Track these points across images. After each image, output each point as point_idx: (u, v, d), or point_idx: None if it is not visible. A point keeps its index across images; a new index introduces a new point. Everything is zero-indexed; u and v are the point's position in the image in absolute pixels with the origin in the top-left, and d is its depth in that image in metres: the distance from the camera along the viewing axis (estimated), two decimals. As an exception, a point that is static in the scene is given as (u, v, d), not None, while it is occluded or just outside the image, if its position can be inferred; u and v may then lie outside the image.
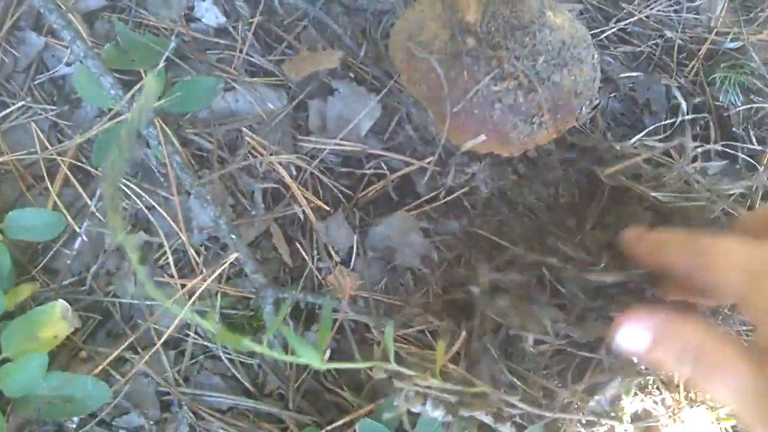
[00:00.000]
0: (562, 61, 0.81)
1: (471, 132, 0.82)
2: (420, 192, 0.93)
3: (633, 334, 0.62)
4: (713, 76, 1.11)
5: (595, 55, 0.86)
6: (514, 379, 0.86)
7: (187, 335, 0.87)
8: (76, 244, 0.86)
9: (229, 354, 0.87)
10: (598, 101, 0.78)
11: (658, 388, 0.95)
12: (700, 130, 1.10)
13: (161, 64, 0.89)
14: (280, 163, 0.91)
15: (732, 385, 0.56)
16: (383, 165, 0.93)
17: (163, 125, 0.86)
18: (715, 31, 1.17)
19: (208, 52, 0.97)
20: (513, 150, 0.83)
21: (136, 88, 0.87)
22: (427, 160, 0.91)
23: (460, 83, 0.80)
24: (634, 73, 1.13)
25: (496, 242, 0.93)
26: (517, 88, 0.79)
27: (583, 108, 0.83)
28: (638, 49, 1.14)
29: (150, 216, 0.89)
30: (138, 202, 0.89)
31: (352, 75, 0.96)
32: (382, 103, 0.93)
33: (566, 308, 0.85)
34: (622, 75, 1.11)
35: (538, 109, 0.80)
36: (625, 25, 1.15)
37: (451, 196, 0.92)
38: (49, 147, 0.90)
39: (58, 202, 0.88)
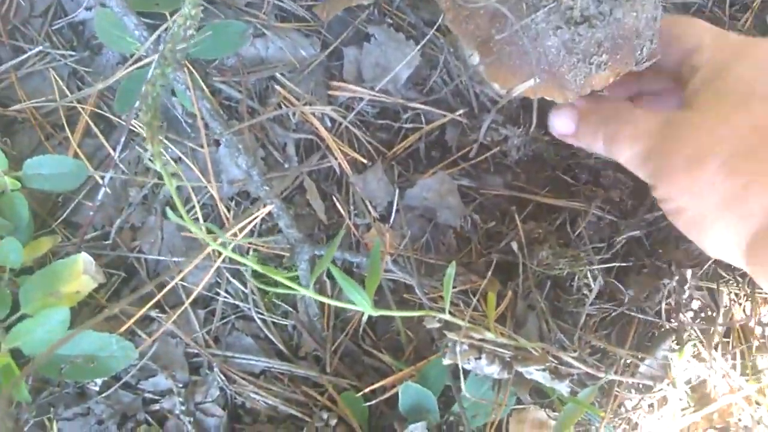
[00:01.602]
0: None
1: (523, 74, 0.76)
2: (451, 146, 0.87)
3: (564, 116, 0.74)
4: None
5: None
6: (563, 337, 0.81)
7: (218, 294, 0.82)
8: (99, 196, 0.80)
9: (262, 314, 0.81)
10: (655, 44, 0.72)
11: (711, 354, 0.90)
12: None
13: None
14: (313, 114, 0.85)
15: (631, 139, 0.64)
16: (422, 117, 0.88)
17: (193, 70, 0.80)
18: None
19: (236, -4, 0.91)
20: (568, 94, 0.77)
21: (162, 28, 0.81)
22: (459, 111, 0.85)
23: (513, 19, 0.74)
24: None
25: (540, 201, 0.89)
26: (577, 23, 0.73)
27: (644, 49, 0.77)
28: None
29: (177, 168, 0.83)
30: (164, 153, 0.83)
31: (389, 21, 0.90)
32: (421, 51, 0.87)
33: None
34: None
35: (598, 47, 0.74)
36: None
37: (481, 156, 0.87)
38: (69, 94, 0.85)
39: (79, 152, 0.83)
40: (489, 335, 0.71)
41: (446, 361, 0.70)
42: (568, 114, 0.74)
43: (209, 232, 0.81)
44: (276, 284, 0.80)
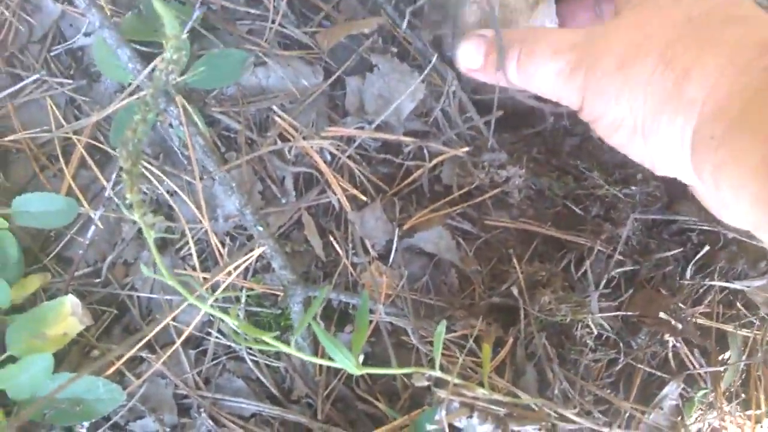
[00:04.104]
0: None
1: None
2: (451, 186, 0.84)
3: (470, 47, 0.67)
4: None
5: None
6: (567, 386, 0.78)
7: (209, 334, 0.80)
8: (90, 232, 0.79)
9: (254, 356, 0.79)
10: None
11: (726, 404, 0.86)
12: None
13: (184, 35, 0.80)
14: (312, 147, 0.82)
15: (552, 53, 0.59)
16: (425, 151, 0.84)
17: (185, 103, 0.78)
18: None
19: (238, 22, 0.88)
20: None
21: (156, 60, 0.79)
22: (464, 149, 0.82)
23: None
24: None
25: (550, 236, 0.85)
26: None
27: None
28: None
29: (172, 202, 0.81)
30: (159, 186, 0.81)
31: (395, 49, 0.86)
32: (426, 81, 0.84)
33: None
34: None
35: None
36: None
37: (481, 198, 0.84)
38: (65, 124, 0.83)
39: (73, 185, 0.81)
40: (482, 392, 0.68)
41: (438, 418, 0.68)
42: (476, 44, 0.67)
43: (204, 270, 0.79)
44: (269, 325, 0.79)
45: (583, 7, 0.74)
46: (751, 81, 0.47)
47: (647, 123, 0.53)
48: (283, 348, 0.62)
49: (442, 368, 0.67)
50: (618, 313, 0.81)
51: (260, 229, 0.76)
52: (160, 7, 0.66)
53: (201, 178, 0.79)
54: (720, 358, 0.87)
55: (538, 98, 0.67)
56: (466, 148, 0.82)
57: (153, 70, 0.78)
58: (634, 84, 0.53)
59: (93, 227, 0.78)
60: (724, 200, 0.49)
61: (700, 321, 0.86)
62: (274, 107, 0.83)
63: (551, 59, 0.59)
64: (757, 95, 0.46)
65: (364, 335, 0.65)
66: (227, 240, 0.82)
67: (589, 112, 0.58)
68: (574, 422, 0.72)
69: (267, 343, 0.63)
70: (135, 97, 0.80)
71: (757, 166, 0.43)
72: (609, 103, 0.55)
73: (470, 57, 0.67)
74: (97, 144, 0.83)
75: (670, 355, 0.85)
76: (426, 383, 0.68)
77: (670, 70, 0.51)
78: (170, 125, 0.82)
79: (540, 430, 0.69)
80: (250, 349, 0.79)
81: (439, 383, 0.69)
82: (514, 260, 0.82)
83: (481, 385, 0.69)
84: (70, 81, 0.86)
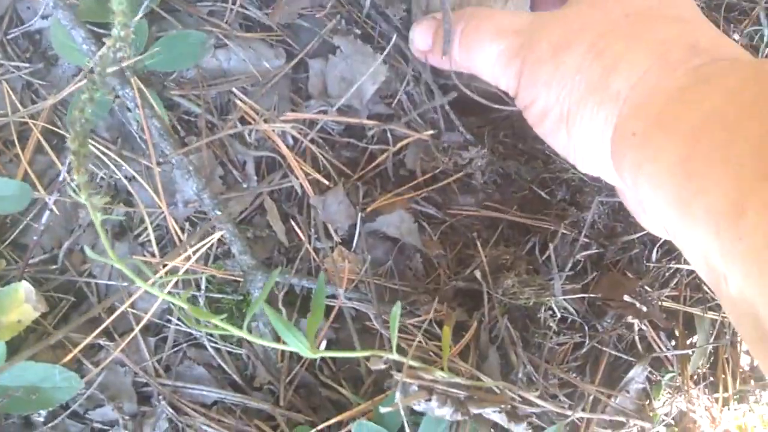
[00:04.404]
0: None
1: None
2: (413, 170, 0.83)
3: (422, 29, 0.68)
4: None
5: None
6: (532, 369, 0.78)
7: (169, 321, 0.79)
8: (44, 219, 0.77)
9: (215, 342, 0.78)
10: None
11: (693, 387, 0.86)
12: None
13: (140, 16, 0.78)
14: (274, 131, 0.81)
15: (495, 35, 0.59)
16: (388, 134, 0.83)
17: (141, 87, 0.76)
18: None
19: (198, 4, 0.87)
20: None
21: (109, 42, 0.77)
22: (428, 132, 0.81)
23: None
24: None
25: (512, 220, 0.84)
26: None
27: None
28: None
29: (130, 187, 0.80)
30: (117, 171, 0.80)
31: (358, 31, 0.85)
32: (390, 64, 0.83)
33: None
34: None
35: None
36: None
37: (446, 181, 0.83)
38: (21, 109, 0.81)
39: (29, 170, 0.80)
40: (441, 375, 0.68)
41: (396, 401, 0.67)
42: (426, 25, 0.68)
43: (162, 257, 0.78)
44: (231, 311, 0.77)
45: None
46: (676, 80, 0.47)
47: (572, 113, 0.53)
48: (237, 333, 0.61)
49: (401, 351, 0.66)
50: (583, 295, 0.80)
51: (218, 213, 0.75)
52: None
53: (159, 163, 0.78)
54: (688, 341, 0.87)
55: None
56: (431, 132, 0.81)
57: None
58: (565, 71, 0.53)
59: (47, 213, 0.77)
60: (642, 200, 0.48)
61: (667, 304, 0.86)
62: (235, 90, 0.82)
63: (493, 41, 0.59)
64: (679, 94, 0.46)
65: (319, 317, 0.64)
66: (187, 226, 0.80)
67: (522, 98, 0.58)
68: (537, 405, 0.72)
69: (227, 330, 0.62)
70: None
71: (675, 166, 0.42)
72: (540, 90, 0.55)
73: (421, 38, 0.68)
74: (54, 129, 0.81)
75: (637, 338, 0.84)
76: (383, 366, 0.67)
77: (599, 60, 0.51)
78: (128, 109, 0.80)
79: (501, 412, 0.68)
80: (211, 336, 0.78)
81: (399, 367, 0.68)
82: (478, 244, 0.81)
83: (442, 368, 0.69)
84: (27, 65, 0.84)
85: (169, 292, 0.77)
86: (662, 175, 0.44)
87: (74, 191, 0.60)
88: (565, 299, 0.78)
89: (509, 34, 0.58)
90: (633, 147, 0.48)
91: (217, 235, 0.76)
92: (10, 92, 0.82)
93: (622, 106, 0.49)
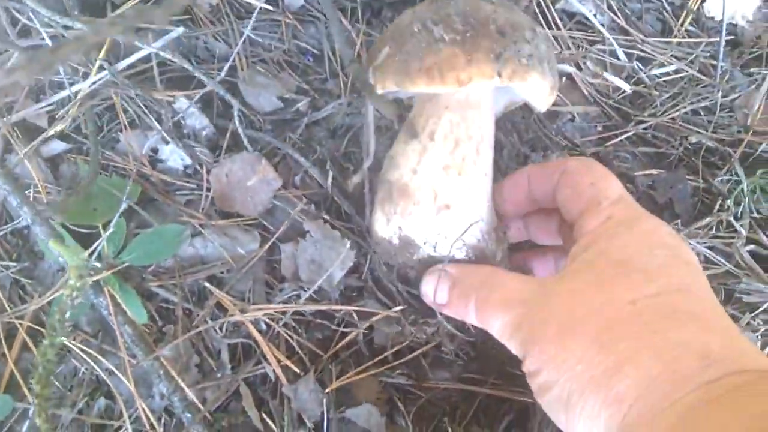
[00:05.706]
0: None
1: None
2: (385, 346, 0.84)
3: (435, 283, 0.70)
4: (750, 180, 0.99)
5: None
6: None
7: None
8: (24, 429, 0.80)
9: None
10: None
11: None
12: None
13: (116, 218, 0.82)
14: (248, 319, 0.83)
15: (503, 305, 0.61)
16: (354, 316, 0.85)
17: (115, 294, 0.80)
18: (752, 131, 1.05)
19: (176, 193, 0.91)
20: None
21: (96, 244, 0.81)
22: (397, 308, 0.82)
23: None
24: (655, 171, 1.02)
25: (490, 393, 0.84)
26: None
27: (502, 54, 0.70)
28: (660, 150, 1.04)
29: (109, 381, 0.82)
30: (96, 367, 0.83)
31: (326, 216, 0.88)
32: (356, 248, 0.85)
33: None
34: (639, 173, 1.01)
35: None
36: (645, 129, 1.05)
37: (414, 354, 0.84)
38: (8, 309, 0.85)
39: (14, 369, 0.83)
40: None
41: None
42: (440, 281, 0.70)
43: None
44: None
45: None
46: (686, 396, 0.46)
47: (572, 402, 0.53)
48: None
49: None
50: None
51: (188, 415, 0.77)
52: (59, 247, 0.68)
53: (133, 365, 0.81)
54: None
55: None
56: (399, 308, 0.82)
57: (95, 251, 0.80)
58: (567, 357, 0.53)
59: (27, 423, 0.80)
60: None
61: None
62: (207, 284, 0.85)
63: (501, 313, 0.61)
64: (690, 413, 0.45)
65: None
66: (165, 417, 0.82)
67: (527, 365, 0.58)
68: None
69: None
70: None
71: None
72: (544, 367, 0.55)
73: (436, 294, 0.70)
74: (38, 328, 0.85)
75: None
76: None
77: (603, 356, 0.51)
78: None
79: None
80: None
81: None
82: (449, 429, 0.81)
83: None
84: (15, 264, 0.88)
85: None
86: None
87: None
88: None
89: (516, 304, 0.60)
90: None
91: (191, 433, 0.78)
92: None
93: (627, 412, 0.49)
